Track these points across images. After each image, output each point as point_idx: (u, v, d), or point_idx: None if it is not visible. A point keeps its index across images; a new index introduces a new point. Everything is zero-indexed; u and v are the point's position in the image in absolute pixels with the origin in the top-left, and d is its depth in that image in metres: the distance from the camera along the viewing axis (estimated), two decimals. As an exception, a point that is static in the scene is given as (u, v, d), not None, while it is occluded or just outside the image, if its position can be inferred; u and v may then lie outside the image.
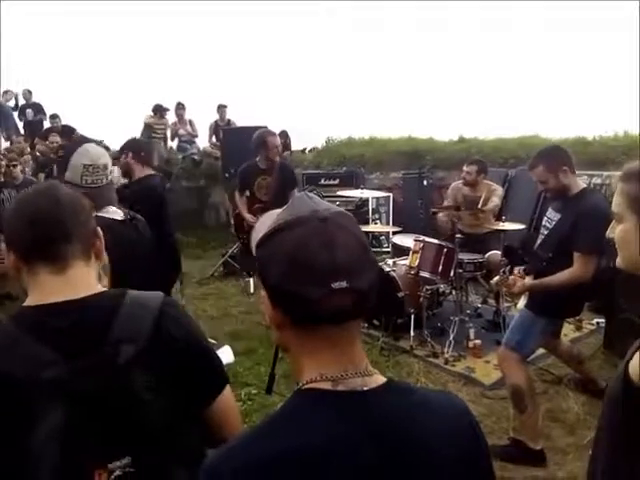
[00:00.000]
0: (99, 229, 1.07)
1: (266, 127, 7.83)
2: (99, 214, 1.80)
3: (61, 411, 0.86)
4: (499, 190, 4.95)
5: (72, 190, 1.07)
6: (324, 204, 0.78)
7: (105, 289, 1.03)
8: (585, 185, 2.72)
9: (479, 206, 4.67)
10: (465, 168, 4.90)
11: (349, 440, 0.70)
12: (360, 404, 0.73)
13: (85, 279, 1.00)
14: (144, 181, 3.33)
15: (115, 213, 1.95)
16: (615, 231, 1.13)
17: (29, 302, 0.97)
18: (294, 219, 0.75)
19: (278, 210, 0.81)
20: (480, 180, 4.83)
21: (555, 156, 2.67)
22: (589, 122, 7.76)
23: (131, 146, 3.45)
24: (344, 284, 0.70)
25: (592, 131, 7.50)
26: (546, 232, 2.75)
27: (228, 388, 1.09)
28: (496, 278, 3.45)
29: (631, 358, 1.02)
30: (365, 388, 0.74)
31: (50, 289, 0.96)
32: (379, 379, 0.77)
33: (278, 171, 4.70)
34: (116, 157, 3.42)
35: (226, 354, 1.83)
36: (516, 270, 2.99)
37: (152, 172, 3.47)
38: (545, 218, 2.78)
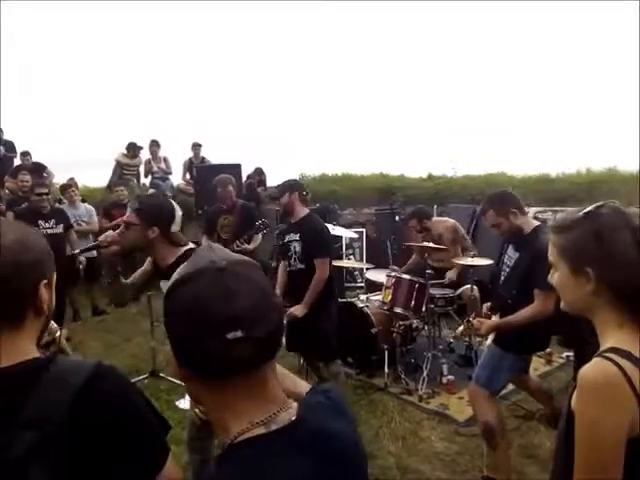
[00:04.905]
0: (42, 284, 0.93)
1: (239, 165, 7.96)
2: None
3: None
4: (449, 222, 5.05)
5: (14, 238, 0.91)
6: (224, 254, 0.77)
7: (33, 356, 0.91)
8: (538, 223, 2.82)
9: (445, 245, 4.76)
10: (409, 224, 5.04)
11: (305, 471, 0.71)
12: (298, 435, 0.74)
13: (9, 348, 0.89)
14: (310, 218, 3.66)
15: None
16: (554, 278, 1.19)
17: None
18: (192, 272, 0.74)
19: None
20: (426, 225, 4.93)
21: (503, 200, 2.79)
22: (552, 160, 8.11)
23: (293, 186, 3.69)
24: (239, 334, 0.69)
25: (555, 168, 7.83)
26: (508, 270, 2.82)
27: (170, 461, 0.97)
28: (460, 328, 3.54)
29: (572, 393, 1.06)
30: (293, 418, 0.75)
31: None
32: (295, 405, 0.78)
33: (239, 211, 4.83)
34: (275, 197, 3.95)
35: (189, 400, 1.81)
36: (484, 308, 3.06)
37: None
38: (506, 256, 2.86)
